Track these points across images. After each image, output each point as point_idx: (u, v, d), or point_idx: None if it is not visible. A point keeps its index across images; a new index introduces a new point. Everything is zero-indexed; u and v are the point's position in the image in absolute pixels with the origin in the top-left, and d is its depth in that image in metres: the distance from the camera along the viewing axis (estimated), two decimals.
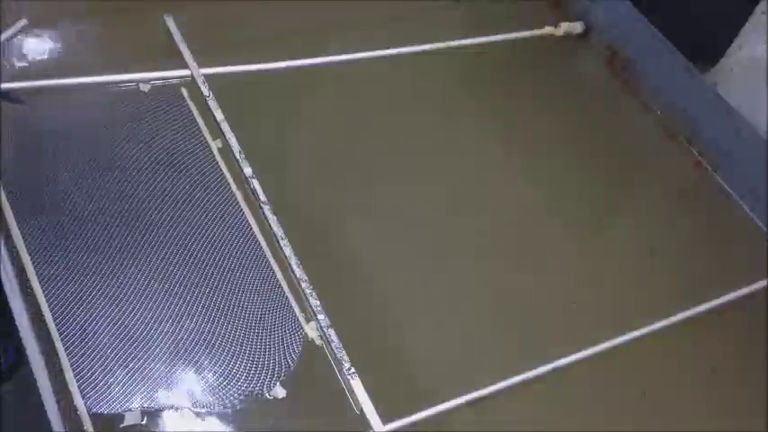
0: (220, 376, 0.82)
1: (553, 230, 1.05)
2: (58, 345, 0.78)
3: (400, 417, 0.81)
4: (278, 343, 0.85)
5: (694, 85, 1.16)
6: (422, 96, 1.15)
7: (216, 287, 0.87)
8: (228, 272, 0.89)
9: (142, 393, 0.79)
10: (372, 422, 0.79)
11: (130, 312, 0.83)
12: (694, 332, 0.97)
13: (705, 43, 1.20)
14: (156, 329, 0.83)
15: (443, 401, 0.83)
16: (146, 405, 0.78)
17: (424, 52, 1.16)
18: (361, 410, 0.80)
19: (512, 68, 1.23)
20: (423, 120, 1.12)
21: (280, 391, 0.82)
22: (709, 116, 1.15)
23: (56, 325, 0.80)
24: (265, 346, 0.85)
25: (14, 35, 0.99)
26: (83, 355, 0.79)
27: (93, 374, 0.78)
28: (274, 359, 0.84)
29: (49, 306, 0.81)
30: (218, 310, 0.86)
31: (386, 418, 0.80)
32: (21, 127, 0.93)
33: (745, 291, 1.01)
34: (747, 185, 1.12)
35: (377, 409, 0.80)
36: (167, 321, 0.84)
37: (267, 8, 1.17)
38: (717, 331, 0.98)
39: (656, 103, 1.21)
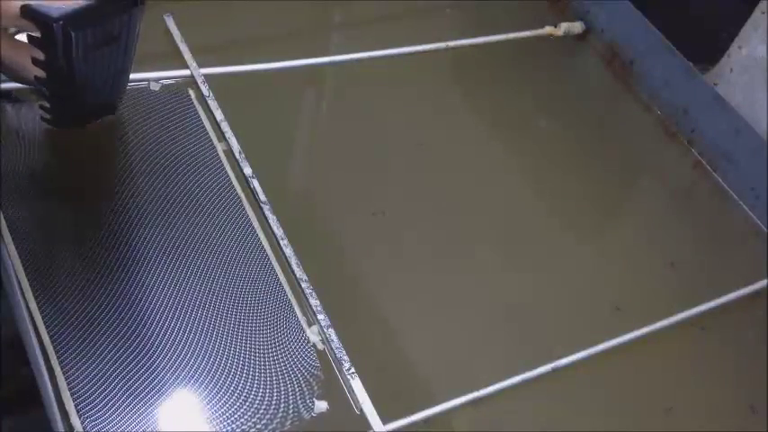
0: (238, 398, 0.78)
1: (552, 230, 1.05)
2: (54, 362, 0.76)
3: (400, 417, 0.81)
4: (292, 353, 0.82)
5: (694, 85, 1.16)
6: (421, 96, 1.15)
7: (222, 296, 0.85)
8: (235, 282, 0.86)
9: (147, 418, 0.75)
10: (372, 422, 0.79)
11: (132, 326, 0.80)
12: (694, 332, 0.97)
13: (705, 43, 1.20)
14: (161, 343, 0.79)
15: (443, 401, 0.83)
16: (150, 430, 0.75)
17: (424, 52, 1.16)
18: (361, 410, 0.80)
19: (512, 68, 1.23)
20: (422, 120, 1.12)
21: (322, 405, 0.80)
22: (709, 116, 1.15)
23: (50, 338, 0.77)
24: (280, 359, 0.82)
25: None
26: (80, 372, 0.76)
27: (91, 394, 0.75)
28: (296, 374, 0.81)
29: (43, 318, 0.78)
30: (227, 323, 0.83)
31: (386, 418, 0.80)
32: (21, 127, 0.93)
33: (745, 291, 1.01)
34: (747, 185, 1.12)
35: (377, 409, 0.80)
36: (173, 336, 0.80)
37: (267, 8, 1.17)
38: (716, 331, 0.98)
39: (656, 103, 1.21)
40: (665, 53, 1.18)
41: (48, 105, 0.84)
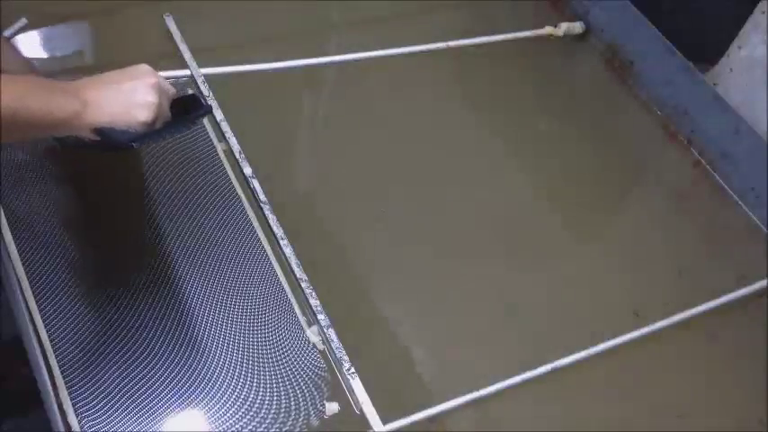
0: (244, 403, 0.77)
1: (553, 230, 1.05)
2: (53, 362, 0.76)
3: (400, 417, 0.81)
4: (296, 356, 0.82)
5: (694, 85, 1.16)
6: (421, 96, 1.15)
7: (222, 297, 0.84)
8: (235, 282, 0.86)
9: (145, 419, 0.75)
10: (372, 422, 0.79)
11: (131, 327, 0.80)
12: (694, 332, 0.97)
13: (705, 43, 1.20)
14: (160, 344, 0.79)
15: (443, 401, 0.83)
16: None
17: (424, 52, 1.16)
18: (361, 410, 0.80)
19: (512, 68, 1.23)
20: (422, 120, 1.12)
21: (333, 407, 0.79)
22: (709, 116, 1.15)
23: (50, 338, 0.77)
24: (285, 363, 0.81)
25: (15, 35, 0.99)
26: (79, 372, 0.75)
27: (90, 394, 0.74)
28: (303, 378, 0.80)
29: (43, 321, 0.78)
30: (228, 325, 0.82)
31: (386, 418, 0.80)
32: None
33: (745, 291, 1.01)
34: (747, 185, 1.12)
35: (377, 409, 0.80)
36: (172, 337, 0.80)
37: (267, 8, 1.17)
38: (716, 331, 0.98)
39: (656, 103, 1.21)
40: (665, 53, 1.18)
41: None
